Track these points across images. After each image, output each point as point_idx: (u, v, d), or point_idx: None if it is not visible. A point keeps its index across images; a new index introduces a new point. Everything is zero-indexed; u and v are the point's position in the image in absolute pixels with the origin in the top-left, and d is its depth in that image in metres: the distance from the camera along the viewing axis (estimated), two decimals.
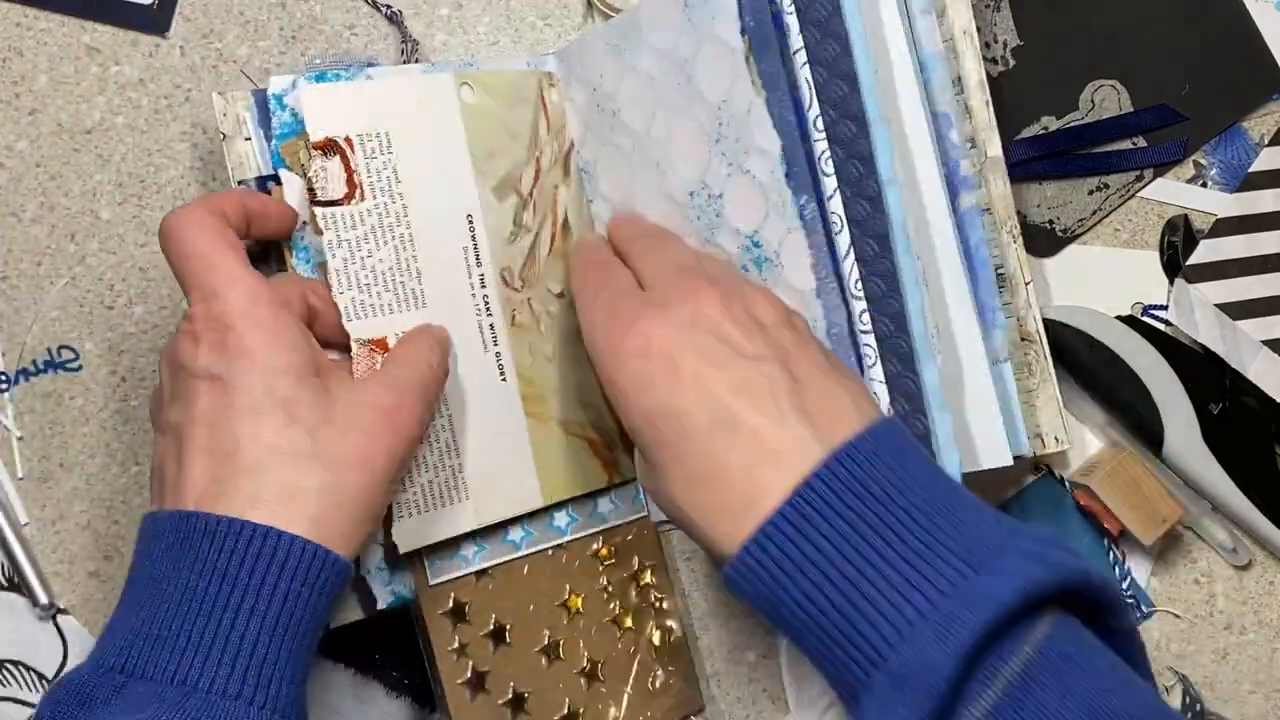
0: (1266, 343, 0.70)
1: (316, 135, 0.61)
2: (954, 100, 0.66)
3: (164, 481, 0.54)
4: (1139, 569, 0.72)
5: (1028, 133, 0.72)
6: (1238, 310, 0.71)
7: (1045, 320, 0.70)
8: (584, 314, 0.59)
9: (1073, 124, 0.72)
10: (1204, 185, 0.73)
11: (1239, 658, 0.72)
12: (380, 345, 0.60)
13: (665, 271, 0.58)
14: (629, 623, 0.68)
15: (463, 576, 0.64)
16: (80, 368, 0.70)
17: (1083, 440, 0.73)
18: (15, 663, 0.69)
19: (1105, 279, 0.73)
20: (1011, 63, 0.72)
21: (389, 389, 0.56)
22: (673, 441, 0.52)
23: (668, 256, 0.59)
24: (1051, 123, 0.72)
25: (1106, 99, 0.72)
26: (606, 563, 0.68)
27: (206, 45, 0.71)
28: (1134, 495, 0.69)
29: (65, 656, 0.69)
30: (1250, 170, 0.72)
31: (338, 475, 0.52)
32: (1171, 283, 0.72)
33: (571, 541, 0.68)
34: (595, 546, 0.68)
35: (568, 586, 0.67)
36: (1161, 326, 0.72)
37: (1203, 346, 0.71)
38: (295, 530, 0.51)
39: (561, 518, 0.68)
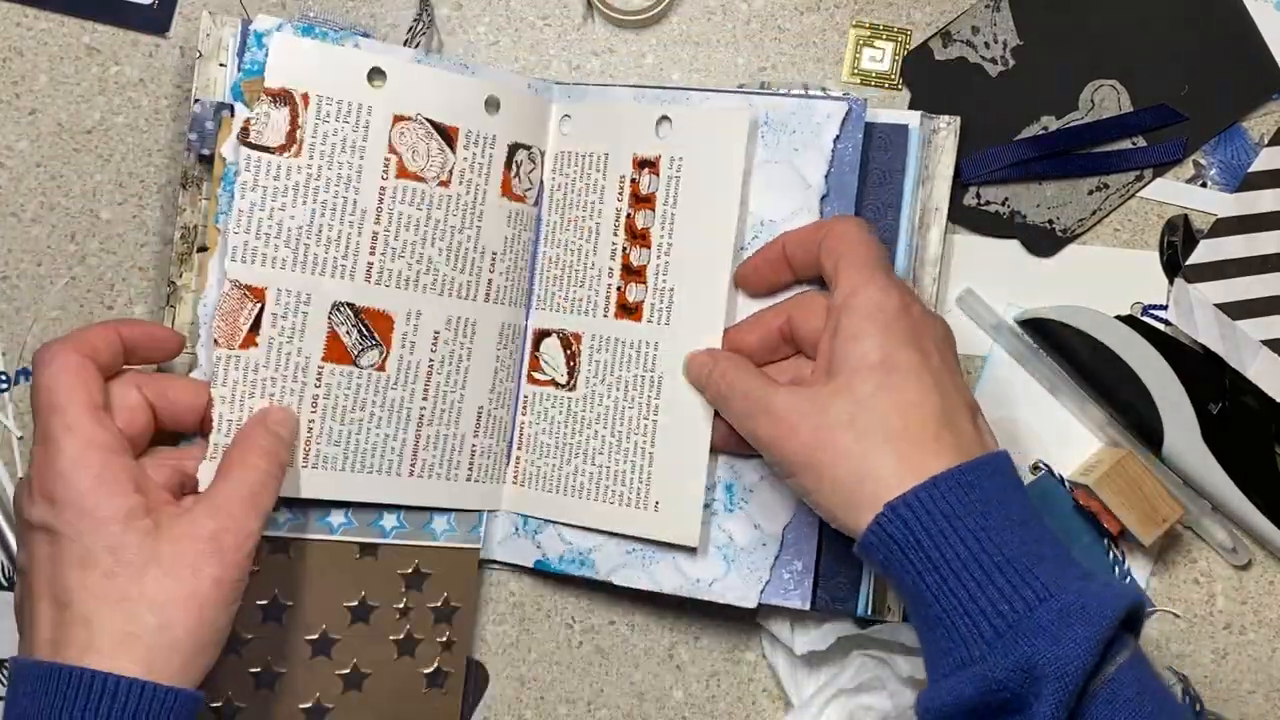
0: (1266, 343, 0.70)
1: (272, 82, 0.62)
2: (907, 269, 0.69)
3: (21, 624, 0.58)
4: (1139, 569, 0.72)
5: (1028, 133, 0.72)
6: (1237, 310, 0.71)
7: (1046, 320, 0.70)
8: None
9: (1073, 124, 0.72)
10: (1204, 185, 0.73)
11: (1239, 657, 0.72)
12: (258, 294, 0.62)
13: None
14: (413, 651, 0.68)
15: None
16: None
17: (1083, 440, 0.73)
18: None
19: (1105, 279, 0.73)
20: (1011, 63, 0.72)
21: (213, 514, 0.57)
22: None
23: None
24: (1051, 123, 0.72)
25: (1106, 99, 0.72)
26: (412, 587, 0.68)
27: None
28: (1134, 495, 0.69)
29: None
30: (1250, 170, 0.72)
31: (166, 615, 0.55)
32: (1171, 283, 0.72)
33: (389, 546, 0.68)
34: (409, 568, 0.68)
35: (363, 593, 0.67)
36: (1161, 326, 0.72)
37: (1203, 346, 0.71)
38: (131, 673, 0.53)
39: (390, 519, 0.68)
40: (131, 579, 0.55)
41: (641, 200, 0.67)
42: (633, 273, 0.67)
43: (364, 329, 0.65)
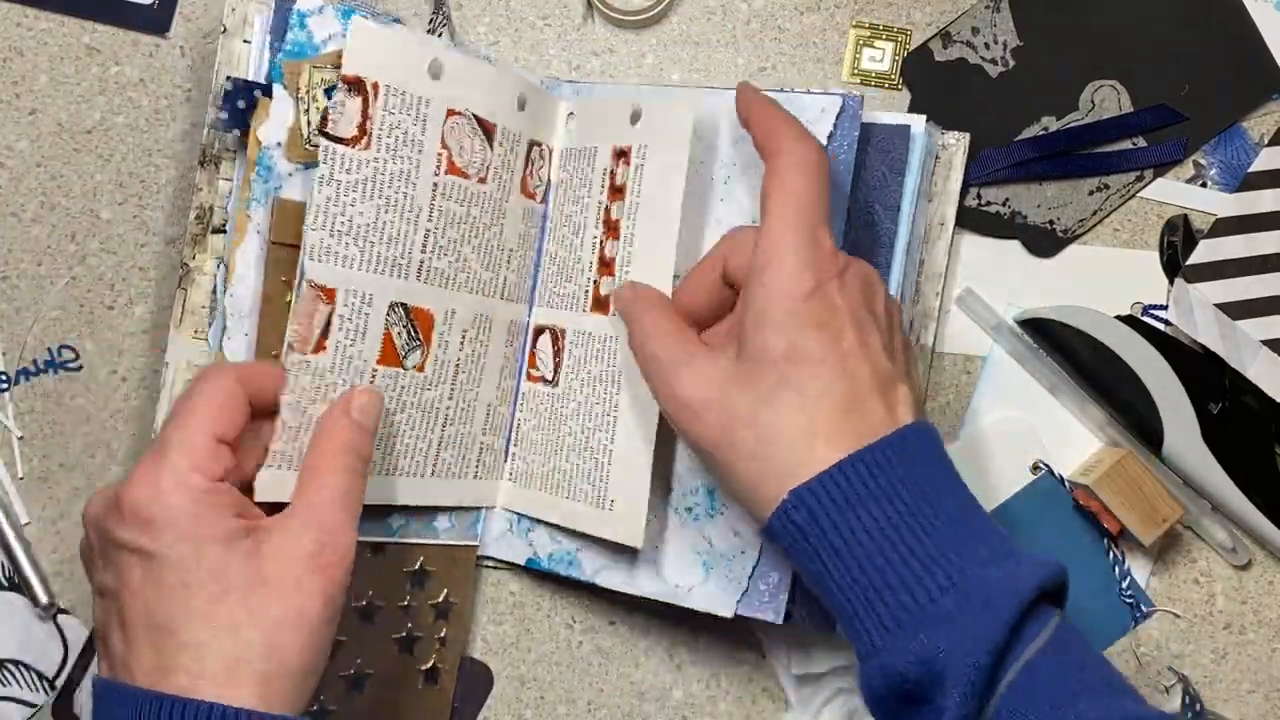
0: (1266, 343, 0.70)
1: (349, 69, 0.60)
2: (911, 283, 0.68)
3: (111, 650, 0.54)
4: (1139, 569, 0.72)
5: (1028, 133, 0.72)
6: (1238, 310, 0.71)
7: (1046, 320, 0.70)
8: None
9: (1073, 124, 0.72)
10: (1204, 185, 0.73)
11: (1239, 658, 0.72)
12: (329, 295, 0.60)
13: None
14: (413, 649, 0.68)
15: None
16: (80, 368, 0.70)
17: (1083, 440, 0.73)
18: (15, 662, 0.69)
19: (1105, 279, 0.73)
20: (1011, 63, 0.72)
21: (310, 527, 0.54)
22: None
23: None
24: (1051, 123, 0.72)
25: (1106, 99, 0.72)
26: (415, 585, 0.68)
27: (206, 45, 0.71)
28: (1134, 495, 0.69)
29: (65, 656, 0.69)
30: (1250, 170, 0.72)
31: (276, 638, 0.52)
32: (1171, 283, 0.72)
33: (394, 545, 0.67)
34: (414, 565, 0.68)
35: (370, 593, 0.67)
36: (1161, 326, 0.72)
37: (1203, 346, 0.71)
38: (242, 702, 0.51)
39: (396, 518, 0.67)
40: (238, 602, 0.52)
41: (616, 191, 0.66)
42: (605, 265, 0.66)
43: (411, 329, 0.64)
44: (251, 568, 0.53)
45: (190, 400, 0.55)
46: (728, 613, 0.65)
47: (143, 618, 0.52)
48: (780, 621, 0.64)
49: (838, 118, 0.65)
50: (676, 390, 0.57)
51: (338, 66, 0.62)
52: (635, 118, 0.65)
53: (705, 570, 0.65)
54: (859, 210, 0.67)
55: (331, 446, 0.57)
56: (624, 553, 0.67)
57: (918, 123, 0.67)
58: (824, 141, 0.65)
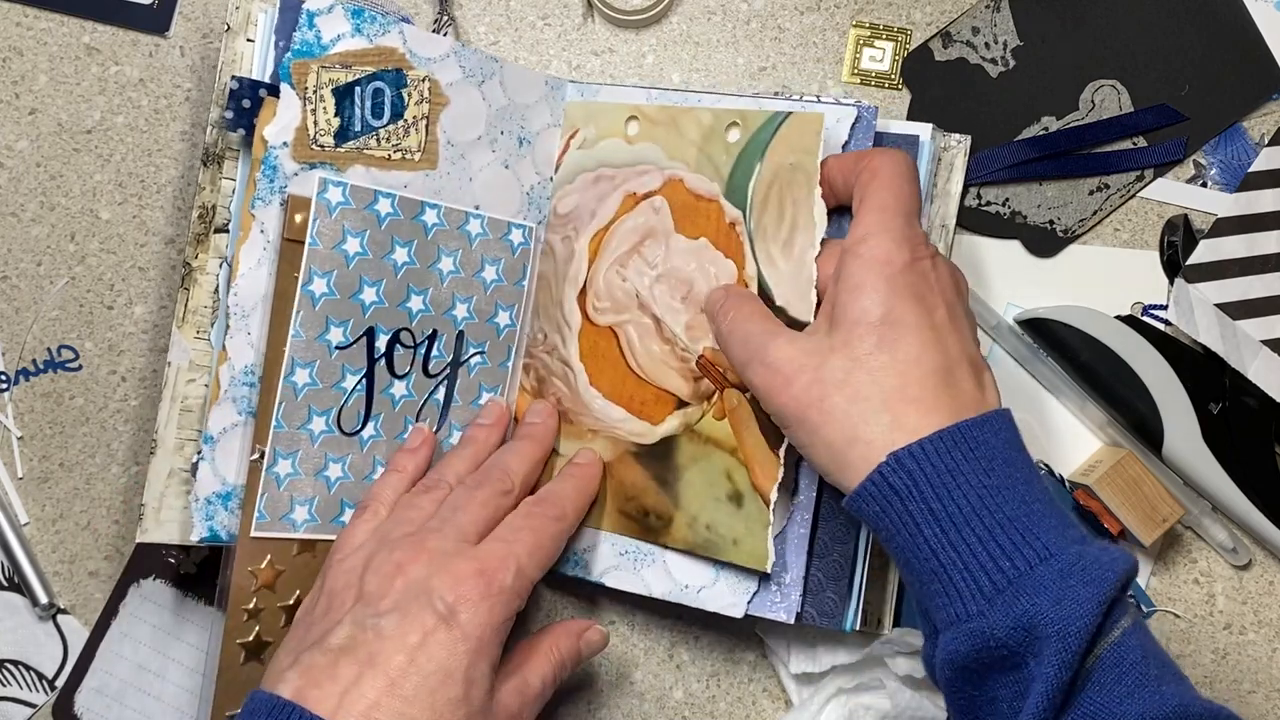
0: (1266, 343, 0.70)
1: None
2: None
3: (318, 668, 0.56)
4: (1139, 569, 0.72)
5: (1028, 133, 0.72)
6: (1238, 310, 0.71)
7: (1046, 320, 0.70)
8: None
9: (1073, 124, 0.72)
10: (1204, 185, 0.73)
11: (1239, 658, 0.72)
12: None
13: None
14: None
15: (284, 540, 0.63)
16: (80, 368, 0.70)
17: (1083, 440, 0.73)
18: (15, 662, 0.69)
19: (1105, 279, 0.73)
20: (1011, 63, 0.72)
21: (522, 697, 0.61)
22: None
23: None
24: (1051, 123, 0.72)
25: (1106, 99, 0.72)
26: None
27: (206, 45, 0.71)
28: (1134, 495, 0.69)
29: (65, 656, 0.69)
30: (1250, 170, 0.72)
31: None
32: (1171, 283, 0.72)
33: None
34: None
35: None
36: (1161, 326, 0.72)
37: (1203, 346, 0.71)
38: None
39: None
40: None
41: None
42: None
43: None
44: (490, 700, 0.59)
45: (552, 535, 0.63)
46: (738, 613, 0.64)
47: (394, 674, 0.56)
48: (792, 621, 0.64)
49: (853, 127, 0.64)
50: (768, 357, 0.58)
51: (346, 66, 0.61)
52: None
53: (715, 571, 0.65)
54: None
55: (558, 651, 0.64)
56: (631, 554, 0.67)
57: (924, 131, 0.66)
58: (839, 150, 0.64)
